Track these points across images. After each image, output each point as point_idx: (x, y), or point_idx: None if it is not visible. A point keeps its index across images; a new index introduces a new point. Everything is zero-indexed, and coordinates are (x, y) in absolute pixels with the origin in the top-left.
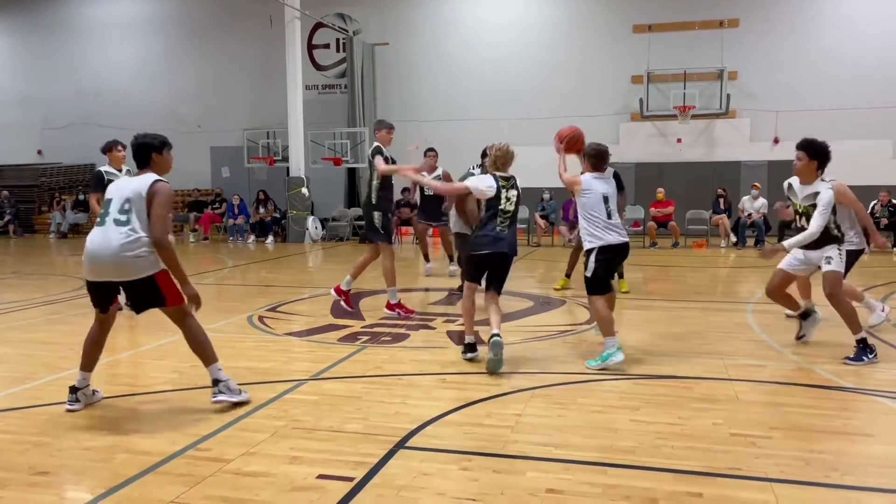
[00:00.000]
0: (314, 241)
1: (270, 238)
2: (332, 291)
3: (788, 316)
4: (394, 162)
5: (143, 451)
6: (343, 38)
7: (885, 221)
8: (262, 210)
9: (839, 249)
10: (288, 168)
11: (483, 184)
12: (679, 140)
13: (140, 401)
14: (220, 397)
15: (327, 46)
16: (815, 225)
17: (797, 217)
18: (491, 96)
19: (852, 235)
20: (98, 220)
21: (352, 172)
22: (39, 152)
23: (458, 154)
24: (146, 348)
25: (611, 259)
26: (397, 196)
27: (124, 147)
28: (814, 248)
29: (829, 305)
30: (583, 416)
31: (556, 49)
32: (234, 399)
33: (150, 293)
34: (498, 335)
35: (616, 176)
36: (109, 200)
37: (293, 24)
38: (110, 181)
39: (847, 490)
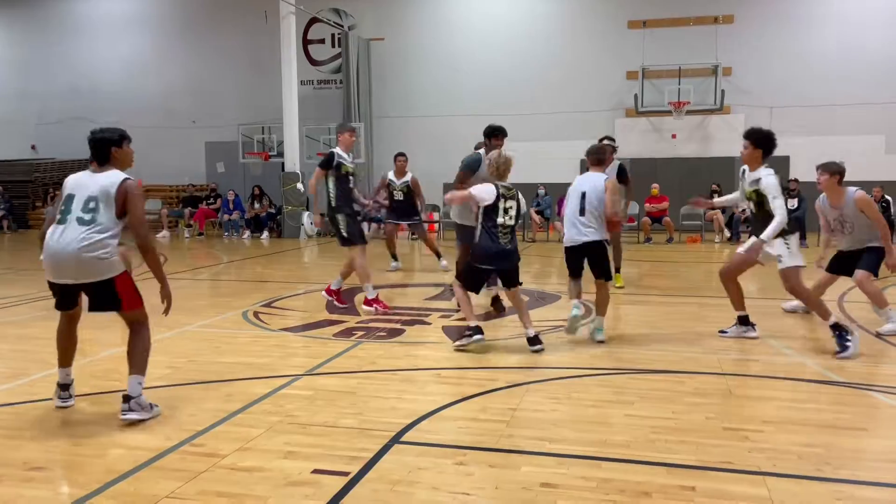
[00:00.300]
0: (309, 237)
1: (265, 233)
2: (324, 293)
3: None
4: (348, 172)
5: (137, 447)
6: (338, 33)
7: None
8: (257, 205)
9: (787, 244)
10: (283, 163)
11: (484, 192)
12: (674, 136)
13: None
14: (131, 415)
15: (322, 41)
16: (778, 213)
17: (746, 202)
18: (486, 91)
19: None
20: (59, 217)
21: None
22: (33, 147)
23: (453, 149)
24: None
25: (570, 256)
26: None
27: None
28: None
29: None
30: (577, 411)
31: (552, 45)
32: (146, 417)
33: (108, 296)
34: (534, 338)
35: (621, 168)
36: (71, 197)
37: (288, 19)
38: None
39: (839, 483)
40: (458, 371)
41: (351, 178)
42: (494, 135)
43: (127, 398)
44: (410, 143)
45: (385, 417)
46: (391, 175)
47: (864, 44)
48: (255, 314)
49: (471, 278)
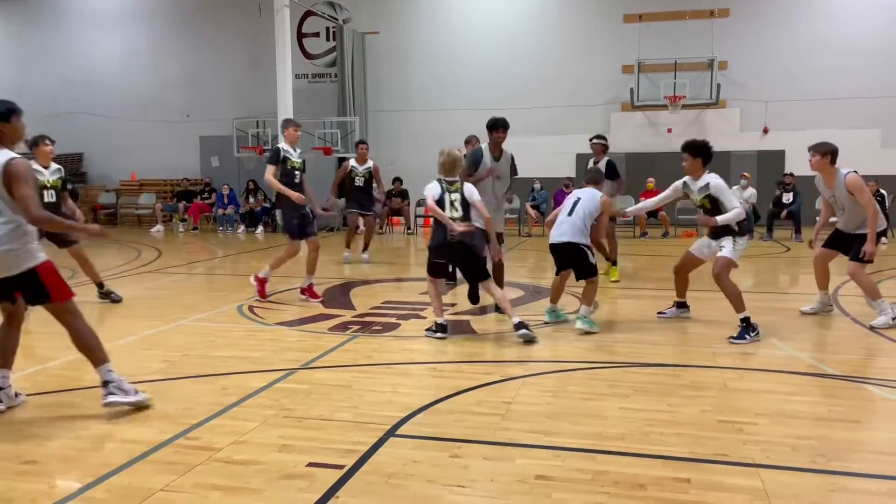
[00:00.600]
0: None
1: (260, 228)
2: (300, 292)
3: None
4: (294, 167)
5: (132, 440)
6: (333, 27)
7: None
8: (251, 200)
9: (734, 240)
10: None
11: (431, 190)
12: (669, 130)
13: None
14: (111, 398)
15: (317, 35)
16: (733, 208)
17: (698, 210)
18: (481, 86)
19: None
20: None
21: (342, 162)
22: (27, 142)
23: (448, 142)
24: (135, 338)
25: (552, 253)
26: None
27: (52, 142)
28: (714, 237)
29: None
30: (573, 404)
31: (547, 39)
32: (128, 400)
33: (34, 288)
34: (521, 324)
35: (610, 164)
36: None
37: (282, 13)
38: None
39: (833, 475)
40: (454, 365)
41: (297, 172)
42: (495, 128)
43: (105, 383)
44: (405, 137)
45: (380, 411)
46: (353, 162)
47: (860, 38)
48: (251, 308)
49: (434, 269)
